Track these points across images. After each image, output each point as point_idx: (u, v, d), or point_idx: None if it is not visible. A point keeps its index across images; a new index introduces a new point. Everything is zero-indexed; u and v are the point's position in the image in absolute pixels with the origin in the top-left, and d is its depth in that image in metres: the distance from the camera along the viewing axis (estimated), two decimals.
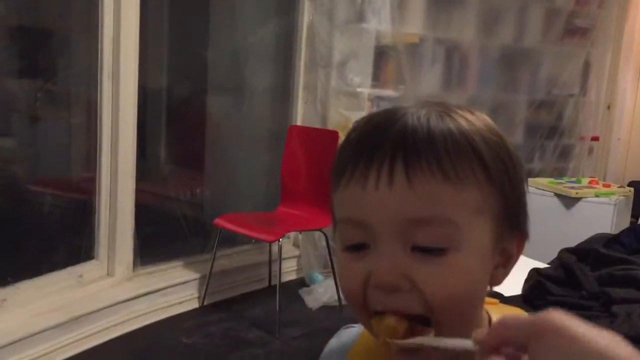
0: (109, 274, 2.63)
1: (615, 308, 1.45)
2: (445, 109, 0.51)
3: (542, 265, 1.83)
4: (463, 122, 0.50)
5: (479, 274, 0.50)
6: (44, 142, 2.73)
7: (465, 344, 0.44)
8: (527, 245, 0.56)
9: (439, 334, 0.49)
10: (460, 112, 0.51)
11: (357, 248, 0.50)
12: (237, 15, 3.31)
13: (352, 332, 0.63)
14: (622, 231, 2.02)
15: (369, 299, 0.50)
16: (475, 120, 0.51)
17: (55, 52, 2.69)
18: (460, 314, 0.48)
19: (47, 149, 2.75)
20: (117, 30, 2.47)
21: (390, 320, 0.48)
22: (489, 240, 0.50)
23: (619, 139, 5.12)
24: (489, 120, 0.53)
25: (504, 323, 0.42)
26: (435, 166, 0.47)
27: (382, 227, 0.48)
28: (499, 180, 0.50)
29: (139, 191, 2.69)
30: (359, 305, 0.50)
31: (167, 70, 3.28)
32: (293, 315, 2.76)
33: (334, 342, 0.65)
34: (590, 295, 1.56)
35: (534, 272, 1.72)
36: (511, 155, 0.52)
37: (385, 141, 0.49)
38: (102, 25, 2.44)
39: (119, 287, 2.61)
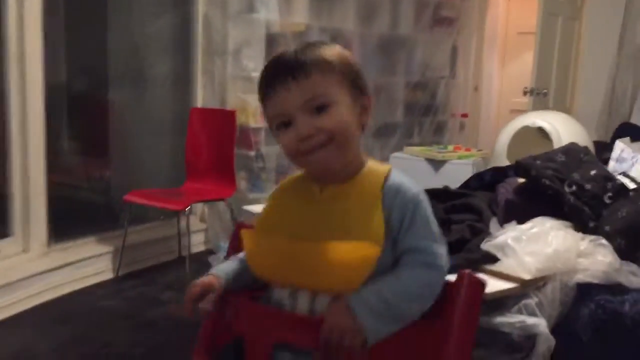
0: (25, 250, 2.79)
1: (453, 226, 1.88)
2: (310, 44, 0.98)
3: None
4: (321, 49, 0.96)
5: (349, 115, 0.96)
6: None
7: None
8: None
9: (338, 148, 0.94)
10: (320, 44, 0.98)
11: (285, 125, 0.94)
12: (134, 8, 3.52)
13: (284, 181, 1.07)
14: (471, 177, 2.49)
15: (299, 148, 0.94)
16: (329, 47, 0.98)
17: None
18: (347, 136, 0.95)
19: None
20: (20, 24, 2.64)
21: None
22: (349, 99, 0.96)
23: (488, 117, 5.78)
24: (339, 48, 0.99)
25: None
26: (309, 71, 0.93)
27: (294, 109, 0.92)
28: (345, 73, 0.96)
29: (50, 180, 2.85)
30: (295, 153, 0.94)
31: (67, 64, 3.40)
32: None
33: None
34: (439, 221, 1.98)
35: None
36: (350, 62, 0.98)
37: (282, 66, 0.94)
38: (6, 22, 2.60)
39: (35, 261, 2.79)
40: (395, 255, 0.93)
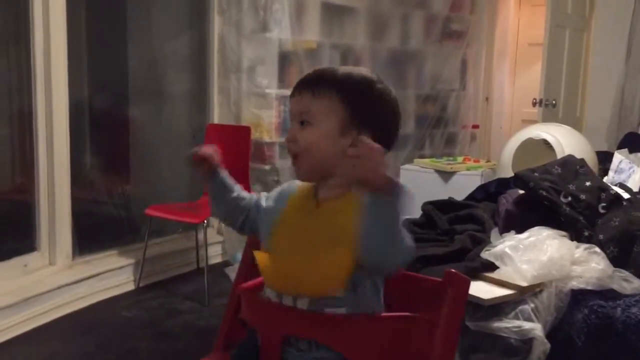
0: (51, 263, 2.93)
1: (456, 237, 1.96)
2: (337, 69, 1.12)
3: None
4: (337, 74, 1.09)
5: (325, 143, 1.06)
6: None
7: None
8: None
9: (304, 164, 1.08)
10: (349, 70, 1.11)
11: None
12: (153, 28, 3.67)
13: (295, 183, 1.16)
14: (476, 188, 2.57)
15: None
16: (350, 69, 1.12)
17: None
18: (314, 157, 1.06)
19: None
20: (48, 44, 2.79)
21: None
22: (334, 128, 1.06)
23: (500, 128, 5.83)
24: (364, 72, 1.12)
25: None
26: (309, 90, 1.07)
27: (292, 115, 1.10)
28: (348, 98, 1.06)
29: (73, 195, 2.99)
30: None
31: (89, 82, 3.54)
32: (220, 289, 3.15)
33: (284, 185, 1.18)
34: (442, 232, 2.07)
35: (405, 220, 2.21)
36: (372, 89, 1.10)
37: (300, 80, 1.10)
38: (33, 39, 2.75)
39: (60, 274, 2.92)
40: None
